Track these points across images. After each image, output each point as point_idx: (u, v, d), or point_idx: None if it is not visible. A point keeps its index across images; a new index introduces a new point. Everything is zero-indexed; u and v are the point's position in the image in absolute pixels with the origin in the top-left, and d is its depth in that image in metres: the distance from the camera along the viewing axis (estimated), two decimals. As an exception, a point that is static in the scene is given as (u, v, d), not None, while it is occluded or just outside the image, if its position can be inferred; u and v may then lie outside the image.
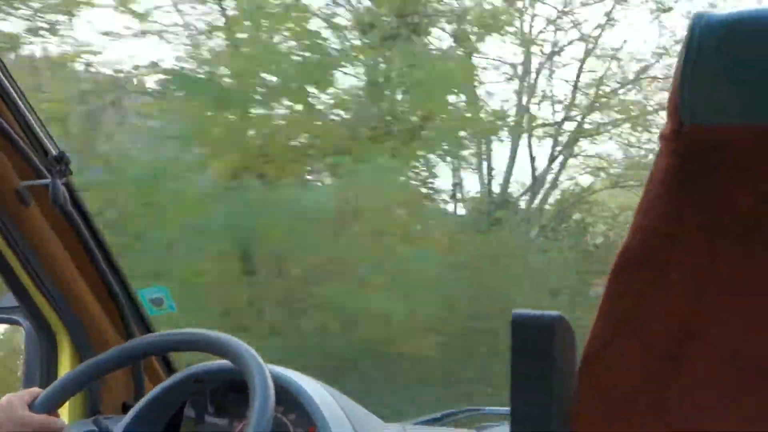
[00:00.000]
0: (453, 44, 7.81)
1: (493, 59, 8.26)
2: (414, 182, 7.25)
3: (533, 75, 8.43)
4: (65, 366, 2.09)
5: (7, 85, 1.71)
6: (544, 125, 8.45)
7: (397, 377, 6.03)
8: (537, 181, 8.28)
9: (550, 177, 8.42)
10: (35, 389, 1.71)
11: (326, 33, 6.54)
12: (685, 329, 0.75)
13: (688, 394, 0.77)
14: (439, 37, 7.77)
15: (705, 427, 0.77)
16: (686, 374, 0.77)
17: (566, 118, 8.46)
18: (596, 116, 8.59)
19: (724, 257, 0.72)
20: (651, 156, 8.15)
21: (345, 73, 6.69)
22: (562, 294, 7.05)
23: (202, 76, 6.22)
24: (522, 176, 8.34)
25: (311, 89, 6.39)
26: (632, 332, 0.76)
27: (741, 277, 0.72)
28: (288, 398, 1.76)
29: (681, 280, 0.73)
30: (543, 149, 8.39)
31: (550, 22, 8.40)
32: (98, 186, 5.35)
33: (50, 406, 1.67)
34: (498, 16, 7.86)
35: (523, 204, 8.38)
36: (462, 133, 7.56)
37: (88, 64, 6.09)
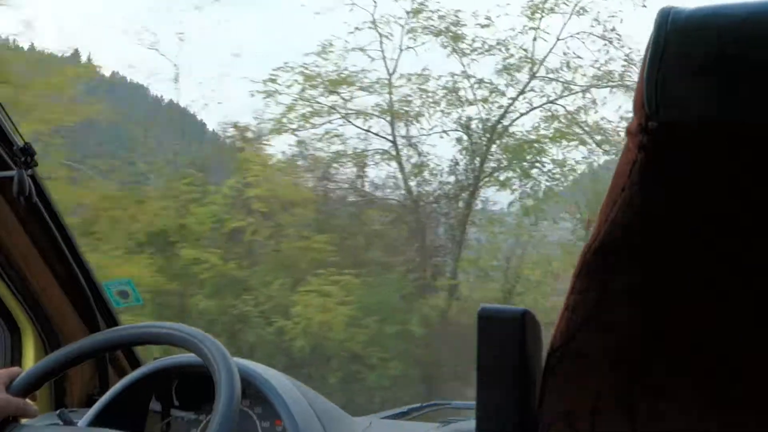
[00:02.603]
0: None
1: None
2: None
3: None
4: (30, 357, 2.07)
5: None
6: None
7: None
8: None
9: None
10: (15, 369, 1.69)
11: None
12: (649, 325, 0.75)
13: (653, 392, 0.77)
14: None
15: (670, 427, 0.78)
16: (652, 371, 0.77)
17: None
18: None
19: (690, 253, 0.72)
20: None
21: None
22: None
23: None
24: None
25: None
26: (597, 327, 0.77)
27: (707, 273, 0.72)
28: (254, 391, 1.75)
29: (646, 276, 0.74)
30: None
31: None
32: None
33: (29, 389, 1.66)
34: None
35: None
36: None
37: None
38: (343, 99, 8.65)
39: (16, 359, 2.09)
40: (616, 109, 9.02)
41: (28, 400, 1.66)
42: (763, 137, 0.64)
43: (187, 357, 1.77)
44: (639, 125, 0.66)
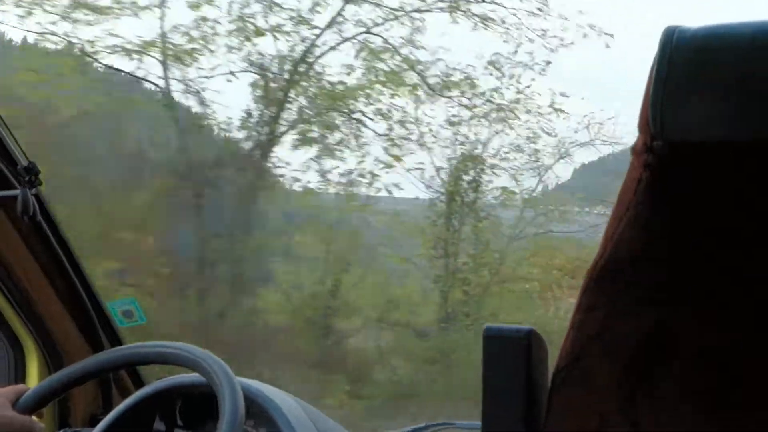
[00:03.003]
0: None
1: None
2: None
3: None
4: (33, 375, 2.07)
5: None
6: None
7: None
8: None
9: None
10: (22, 386, 1.69)
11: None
12: (655, 343, 0.75)
13: (659, 410, 0.77)
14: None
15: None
16: (657, 390, 0.77)
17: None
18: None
19: (692, 266, 0.72)
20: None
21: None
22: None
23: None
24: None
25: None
26: (604, 345, 0.76)
27: (708, 284, 0.72)
28: (258, 411, 1.75)
29: (652, 294, 0.74)
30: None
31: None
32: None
33: (35, 407, 1.66)
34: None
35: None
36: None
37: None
38: (97, 31, 6.04)
39: (19, 376, 2.09)
40: (441, 34, 6.82)
41: (34, 418, 1.66)
42: (766, 148, 0.64)
43: (190, 377, 1.76)
44: (644, 144, 0.66)
